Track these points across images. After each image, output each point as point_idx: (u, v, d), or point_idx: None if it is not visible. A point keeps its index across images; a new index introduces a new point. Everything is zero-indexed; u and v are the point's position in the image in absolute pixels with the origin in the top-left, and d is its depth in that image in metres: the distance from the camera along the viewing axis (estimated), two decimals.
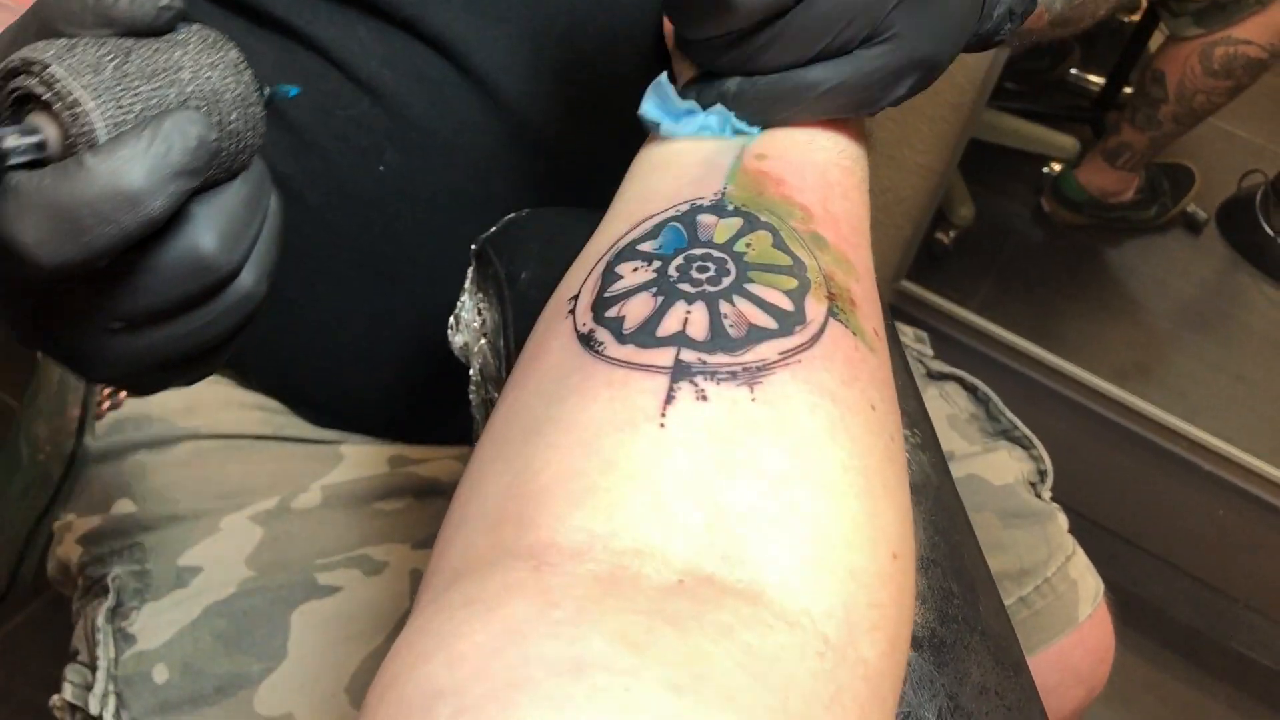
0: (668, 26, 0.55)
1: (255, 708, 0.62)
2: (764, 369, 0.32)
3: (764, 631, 0.28)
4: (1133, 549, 1.42)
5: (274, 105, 0.39)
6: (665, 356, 0.33)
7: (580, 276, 0.38)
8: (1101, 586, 0.79)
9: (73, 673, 0.66)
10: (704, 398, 0.32)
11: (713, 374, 0.32)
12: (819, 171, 0.40)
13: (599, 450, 0.31)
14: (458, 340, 0.58)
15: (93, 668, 0.65)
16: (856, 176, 0.42)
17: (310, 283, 0.67)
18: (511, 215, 0.55)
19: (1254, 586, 1.47)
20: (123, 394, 0.72)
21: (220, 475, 0.71)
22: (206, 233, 0.36)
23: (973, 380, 0.86)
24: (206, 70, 0.35)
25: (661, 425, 0.31)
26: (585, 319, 0.35)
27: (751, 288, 0.35)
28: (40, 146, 0.32)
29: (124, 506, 0.70)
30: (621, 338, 0.34)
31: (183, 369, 0.41)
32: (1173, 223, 1.93)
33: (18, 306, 0.37)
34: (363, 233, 0.65)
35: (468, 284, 0.56)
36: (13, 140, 0.32)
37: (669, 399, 0.32)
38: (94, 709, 0.63)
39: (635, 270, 0.36)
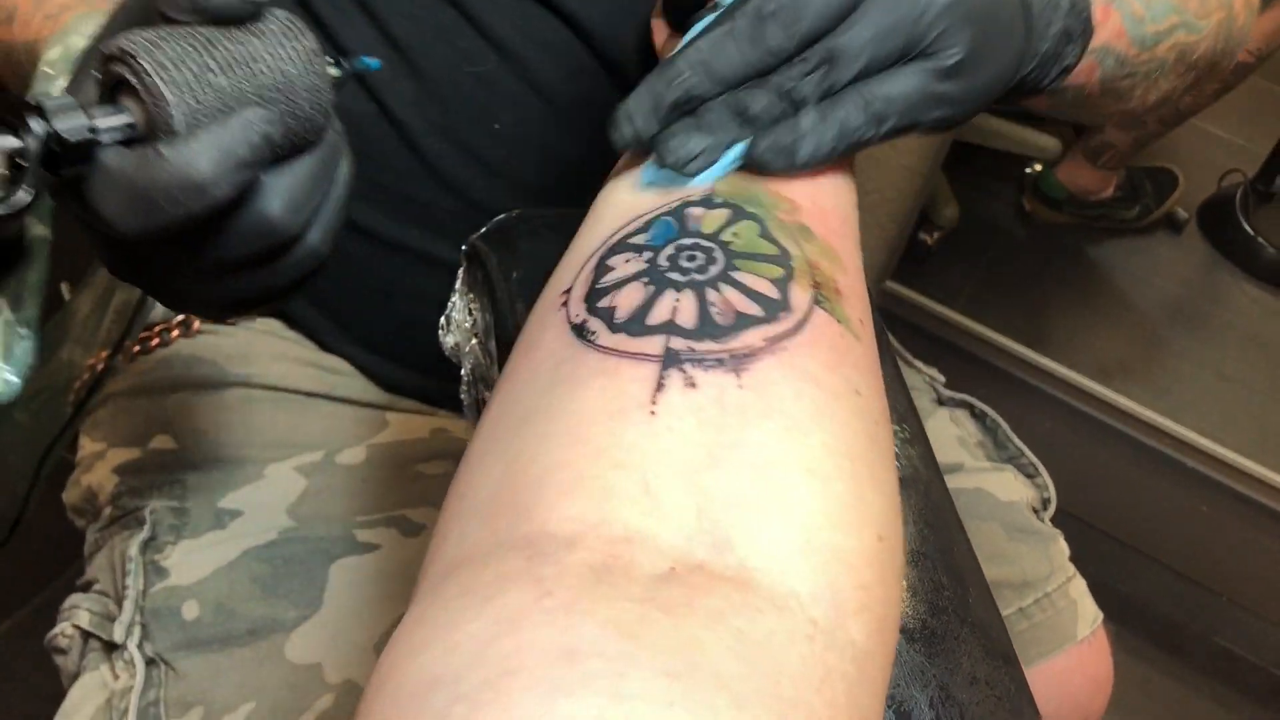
0: (657, 28, 0.55)
1: (286, 653, 0.63)
2: (750, 355, 0.33)
3: (754, 616, 0.28)
4: (1117, 545, 1.43)
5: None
6: (655, 345, 0.33)
7: (573, 270, 0.39)
8: (1101, 616, 0.81)
9: (89, 601, 0.66)
10: (692, 384, 0.32)
11: (700, 361, 0.33)
12: None
13: (590, 438, 0.31)
14: (449, 341, 0.59)
15: (118, 599, 0.65)
16: (843, 172, 0.42)
17: (405, 225, 0.70)
18: (502, 216, 0.56)
19: (1238, 581, 1.49)
20: (175, 332, 0.75)
21: (268, 424, 0.73)
22: (275, 200, 0.40)
23: (982, 407, 0.87)
24: (283, 62, 0.39)
25: (652, 412, 0.32)
26: (578, 310, 0.36)
27: (738, 276, 0.35)
28: (130, 127, 0.37)
29: (164, 442, 0.71)
30: (613, 327, 0.34)
31: (252, 308, 0.46)
32: (1154, 222, 1.95)
33: (111, 250, 0.42)
34: (468, 187, 0.68)
35: (458, 284, 0.57)
36: (105, 121, 0.36)
37: (659, 386, 0.32)
38: (118, 637, 0.63)
39: (627, 262, 0.37)
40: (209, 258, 0.41)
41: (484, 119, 0.66)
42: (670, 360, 0.33)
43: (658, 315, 0.34)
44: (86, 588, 0.68)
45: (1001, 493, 0.81)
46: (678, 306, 0.34)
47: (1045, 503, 0.84)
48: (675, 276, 0.35)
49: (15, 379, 0.47)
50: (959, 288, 1.79)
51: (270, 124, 0.37)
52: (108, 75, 0.37)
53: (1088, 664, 0.80)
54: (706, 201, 0.38)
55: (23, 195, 0.36)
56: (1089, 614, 0.80)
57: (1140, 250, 1.90)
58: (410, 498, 0.71)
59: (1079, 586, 0.80)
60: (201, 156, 0.36)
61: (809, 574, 0.30)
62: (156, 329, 0.75)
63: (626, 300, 0.35)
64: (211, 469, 0.70)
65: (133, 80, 0.36)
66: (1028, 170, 1.99)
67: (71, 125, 0.36)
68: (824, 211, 0.40)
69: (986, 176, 2.01)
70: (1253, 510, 1.52)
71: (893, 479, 0.35)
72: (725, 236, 0.37)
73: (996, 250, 1.93)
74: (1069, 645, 0.78)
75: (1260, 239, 1.86)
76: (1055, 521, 0.83)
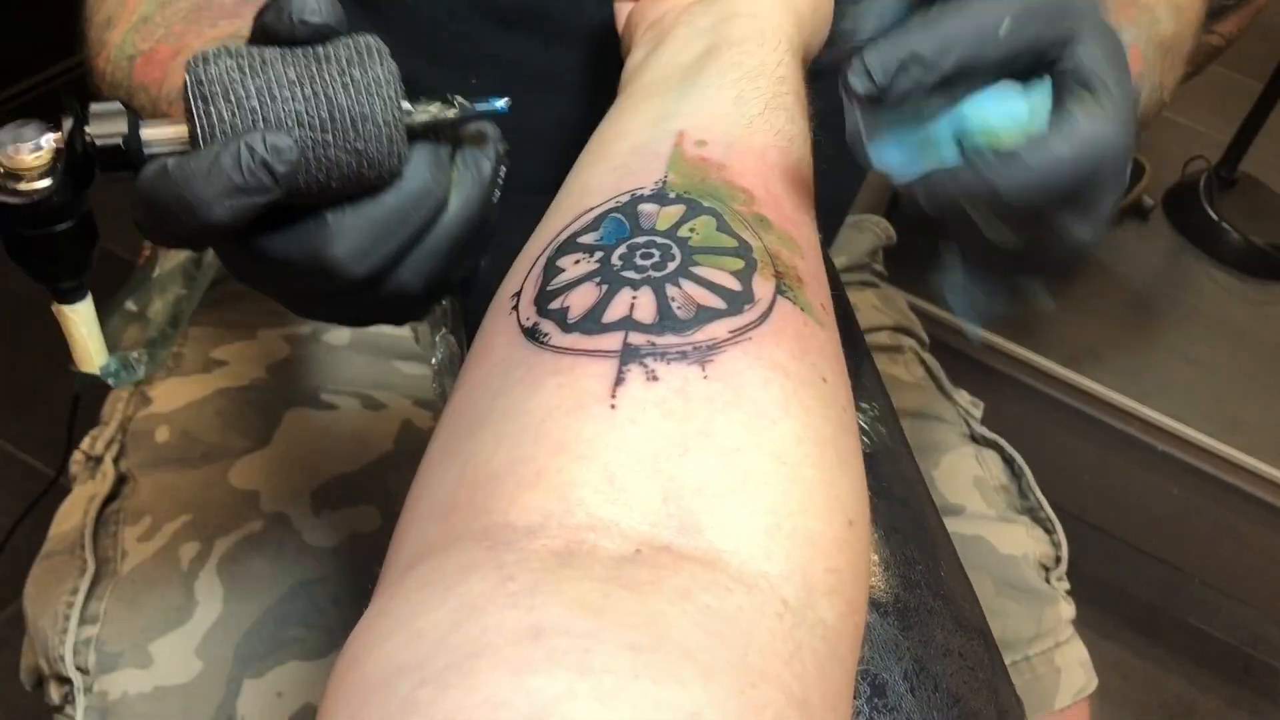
0: (619, 10, 0.55)
1: (229, 478, 0.71)
2: (714, 348, 0.33)
3: (722, 594, 0.28)
4: (1089, 528, 1.44)
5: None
6: (613, 341, 0.33)
7: (522, 273, 0.38)
8: (1091, 687, 0.78)
9: (94, 430, 0.77)
10: (654, 378, 0.32)
11: (662, 355, 0.33)
12: (757, 154, 0.41)
13: (548, 434, 0.31)
14: (420, 329, 0.59)
15: (108, 421, 0.76)
16: (794, 156, 0.42)
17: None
18: None
19: (1209, 562, 1.50)
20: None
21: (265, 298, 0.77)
22: (338, 242, 0.39)
23: (1011, 452, 0.86)
24: (333, 88, 0.37)
25: (612, 406, 0.32)
26: (529, 313, 0.36)
27: (698, 270, 0.35)
28: (183, 141, 0.38)
29: (174, 300, 0.75)
30: (566, 327, 0.34)
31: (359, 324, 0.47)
32: (1122, 210, 1.96)
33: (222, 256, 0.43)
34: None
35: None
36: (151, 132, 0.38)
37: (619, 381, 0.32)
38: (98, 450, 0.74)
39: (577, 263, 0.36)
40: (274, 288, 0.42)
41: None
42: (630, 355, 0.33)
43: (614, 313, 0.34)
44: (101, 422, 0.78)
45: (1003, 545, 0.78)
46: (635, 303, 0.34)
47: (1057, 561, 0.81)
48: (630, 275, 0.35)
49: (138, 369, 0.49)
50: (928, 277, 1.79)
51: (284, 152, 0.36)
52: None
53: None
54: (659, 196, 0.38)
55: (40, 184, 0.37)
56: (1074, 684, 0.77)
57: (1109, 238, 1.91)
58: (380, 382, 0.77)
59: (1071, 654, 0.78)
60: (194, 179, 0.36)
61: (779, 556, 0.30)
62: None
63: (580, 300, 0.35)
64: (211, 326, 0.79)
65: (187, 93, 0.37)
66: None
67: (106, 130, 0.37)
68: (778, 198, 0.40)
69: None
70: (1222, 491, 1.54)
71: (860, 464, 0.35)
72: (682, 233, 0.36)
73: None
74: (1044, 714, 0.76)
75: (1225, 224, 1.87)
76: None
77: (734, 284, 0.35)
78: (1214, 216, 1.88)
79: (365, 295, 0.41)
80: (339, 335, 0.79)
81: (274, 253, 0.39)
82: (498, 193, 0.43)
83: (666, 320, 0.33)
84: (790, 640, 0.28)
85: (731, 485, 0.31)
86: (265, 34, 0.38)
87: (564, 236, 0.38)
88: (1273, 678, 1.43)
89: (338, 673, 0.28)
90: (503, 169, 0.43)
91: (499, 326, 0.37)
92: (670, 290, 0.34)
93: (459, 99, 0.40)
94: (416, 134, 0.40)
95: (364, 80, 0.38)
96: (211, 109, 0.36)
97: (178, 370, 0.78)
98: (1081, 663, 0.78)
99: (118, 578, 0.68)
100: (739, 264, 0.36)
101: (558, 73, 0.66)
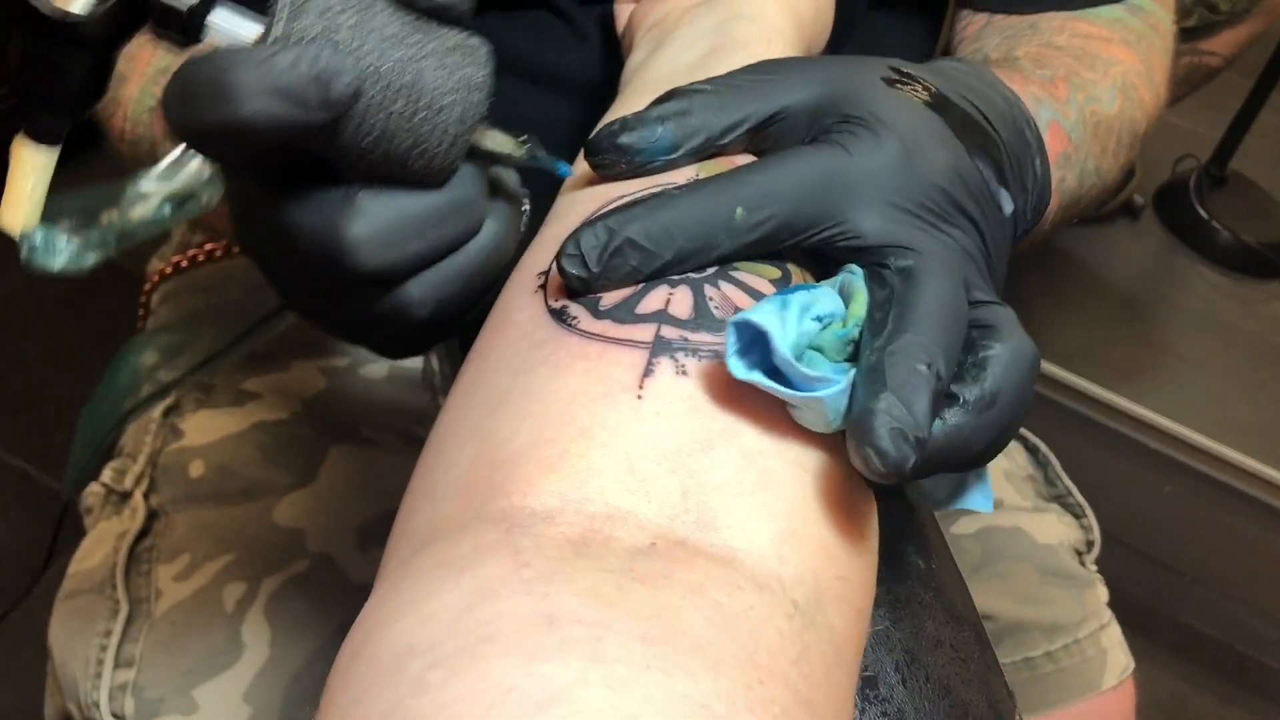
0: (620, 11, 0.55)
1: (273, 516, 0.68)
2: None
3: (733, 591, 0.28)
4: None
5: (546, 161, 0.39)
6: (645, 332, 0.33)
7: (550, 252, 0.37)
8: (1131, 666, 0.80)
9: (115, 463, 0.73)
10: (684, 372, 0.32)
11: (694, 351, 0.32)
12: None
13: (574, 419, 0.31)
14: None
15: (136, 456, 0.73)
16: None
17: None
18: None
19: (1201, 561, 1.50)
20: (236, 248, 0.78)
21: (297, 329, 0.74)
22: (359, 220, 0.36)
23: (1035, 441, 0.87)
24: (426, 64, 0.35)
25: (639, 397, 0.31)
26: (557, 295, 0.35)
27: (737, 274, 0.35)
28: (253, 38, 0.35)
29: (202, 332, 0.73)
30: (598, 313, 0.34)
31: (356, 341, 0.44)
32: (1114, 210, 1.97)
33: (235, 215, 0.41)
34: None
35: None
36: (223, 19, 0.35)
37: (647, 372, 0.32)
38: (127, 485, 0.71)
39: None
40: (278, 256, 0.38)
41: None
42: (661, 348, 0.32)
43: (649, 305, 0.34)
44: (119, 453, 0.75)
45: (1040, 535, 0.80)
46: (671, 299, 0.34)
47: (1090, 545, 0.83)
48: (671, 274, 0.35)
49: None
50: None
51: (343, 76, 0.33)
52: None
53: (1110, 714, 0.80)
54: None
55: (75, 6, 0.33)
56: (1118, 664, 0.79)
57: (1099, 236, 1.92)
58: (419, 416, 0.76)
59: (1112, 635, 0.80)
60: (246, 64, 0.32)
61: (793, 559, 0.30)
62: (225, 241, 0.80)
63: (613, 289, 0.34)
64: (241, 359, 0.75)
65: None
66: None
67: None
68: None
69: None
70: (1215, 490, 1.54)
71: None
72: None
73: None
74: (1093, 694, 0.78)
75: (1215, 223, 1.88)
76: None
77: (772, 290, 0.35)
78: (1204, 215, 1.89)
79: (364, 299, 0.38)
80: (377, 369, 0.77)
81: (288, 215, 0.36)
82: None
83: (703, 318, 0.33)
84: (798, 641, 0.28)
85: (752, 486, 0.30)
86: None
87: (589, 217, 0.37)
88: (1266, 676, 1.44)
89: (348, 650, 0.28)
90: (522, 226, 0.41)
91: (521, 302, 0.36)
92: (709, 290, 0.34)
93: (531, 144, 0.38)
94: (472, 154, 0.37)
95: (458, 74, 0.36)
96: (295, 22, 0.34)
97: (208, 402, 0.75)
98: (1120, 643, 0.80)
99: (152, 618, 0.65)
100: (776, 273, 0.36)
101: (559, 70, 0.65)
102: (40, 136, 0.37)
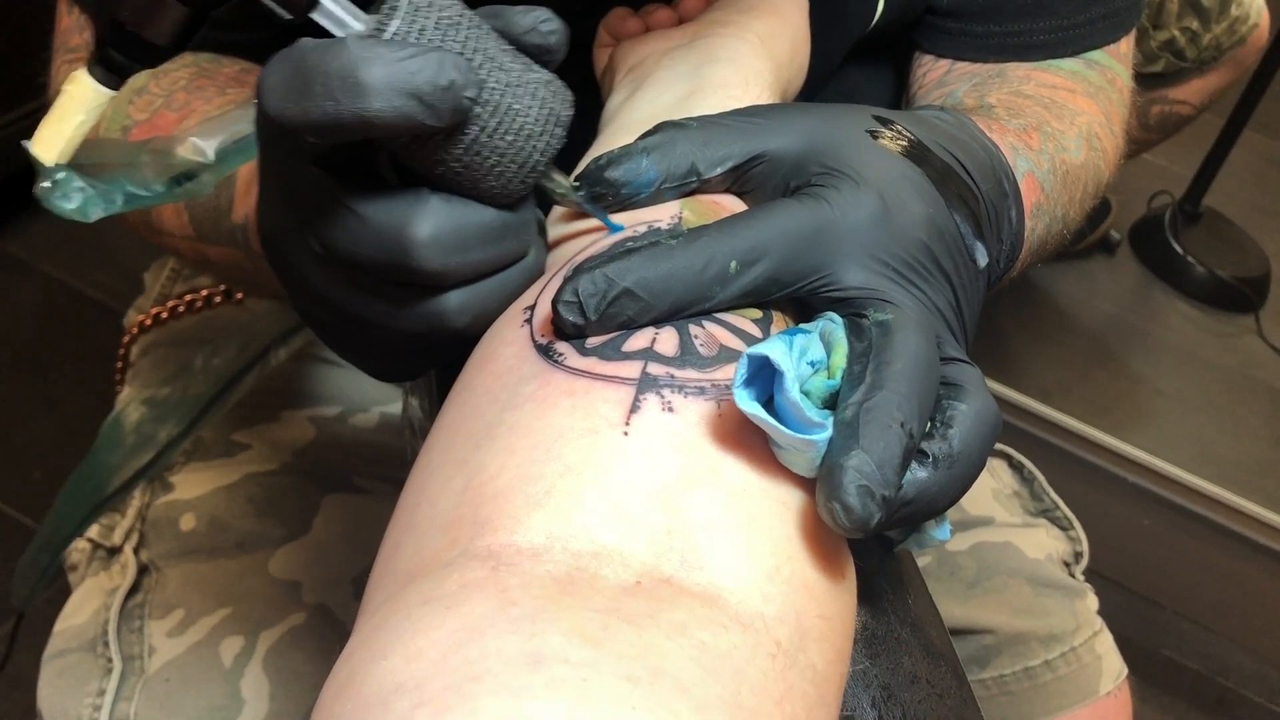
0: (598, 56, 0.55)
1: (269, 568, 0.68)
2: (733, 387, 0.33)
3: (718, 631, 0.28)
4: None
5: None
6: (631, 369, 0.33)
7: (536, 288, 0.38)
8: (1125, 671, 0.82)
9: (103, 518, 0.71)
10: (670, 409, 0.32)
11: (680, 388, 0.33)
12: None
13: (559, 455, 0.31)
14: None
15: (123, 511, 0.71)
16: None
17: None
18: None
19: (1181, 594, 1.51)
20: (219, 299, 0.79)
21: (290, 378, 0.76)
22: (427, 221, 0.36)
23: (1020, 458, 0.88)
24: (518, 88, 0.36)
25: (625, 434, 0.32)
26: (544, 331, 0.35)
27: (721, 314, 0.35)
28: (367, 26, 0.35)
29: (190, 384, 0.74)
30: (584, 350, 0.34)
31: (377, 359, 0.43)
32: (1090, 245, 1.99)
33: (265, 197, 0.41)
34: None
35: None
36: (338, 9, 0.35)
37: (634, 409, 0.32)
38: (116, 540, 0.69)
39: None
40: (340, 244, 0.37)
41: None
42: (647, 385, 0.33)
43: (635, 344, 0.34)
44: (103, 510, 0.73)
45: (1030, 549, 0.82)
46: (657, 338, 0.34)
47: (1077, 556, 0.85)
48: None
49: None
50: None
51: (464, 90, 0.34)
52: None
53: (1109, 719, 0.81)
54: (675, 234, 0.37)
55: None
56: (1113, 670, 0.81)
57: (1076, 271, 1.94)
58: (405, 462, 0.74)
59: (1105, 642, 0.81)
60: (382, 61, 0.32)
61: (777, 598, 0.30)
62: (204, 292, 0.79)
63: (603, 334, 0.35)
64: (230, 409, 0.75)
65: None
66: None
67: None
68: None
69: None
70: (1194, 523, 1.55)
71: None
72: None
73: None
74: (1091, 700, 0.80)
75: (1190, 258, 1.90)
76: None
77: (755, 330, 0.35)
78: (1179, 250, 1.91)
79: (403, 300, 0.38)
80: (366, 418, 0.77)
81: (362, 207, 0.36)
82: None
83: (689, 355, 0.34)
84: (782, 681, 0.29)
85: (737, 524, 0.31)
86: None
87: (581, 260, 0.38)
88: (1246, 708, 1.44)
89: (333, 687, 0.28)
90: None
91: (508, 336, 0.36)
92: (693, 329, 0.35)
93: (590, 195, 0.39)
94: (536, 185, 0.39)
95: (547, 107, 0.37)
96: (416, 18, 0.35)
97: (197, 455, 0.74)
98: (1112, 649, 0.82)
99: (145, 675, 0.64)
100: (758, 313, 0.36)
101: None
102: (104, 77, 0.37)
